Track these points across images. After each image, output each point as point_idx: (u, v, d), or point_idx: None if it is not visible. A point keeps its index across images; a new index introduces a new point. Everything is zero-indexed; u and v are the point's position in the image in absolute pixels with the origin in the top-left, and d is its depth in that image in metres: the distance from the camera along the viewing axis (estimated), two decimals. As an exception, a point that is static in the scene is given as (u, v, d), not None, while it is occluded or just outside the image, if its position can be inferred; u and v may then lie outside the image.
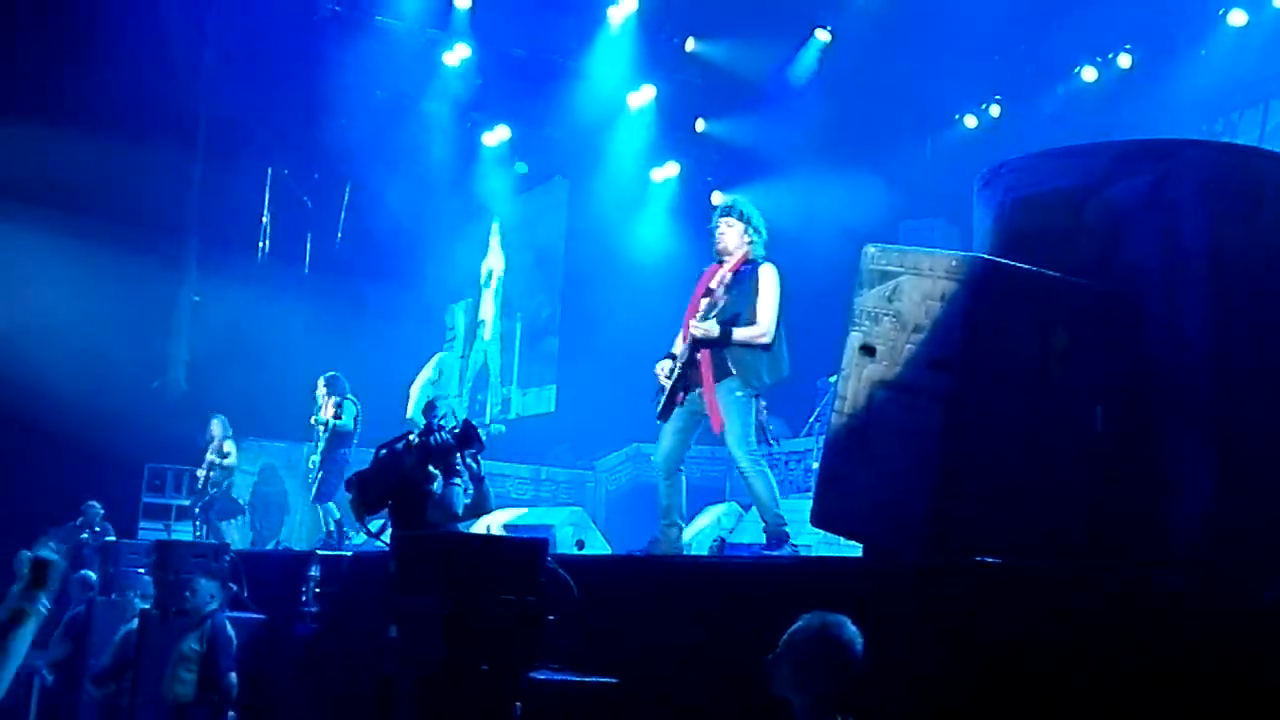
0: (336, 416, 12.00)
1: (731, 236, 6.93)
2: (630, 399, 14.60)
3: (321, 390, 12.30)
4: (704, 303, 6.85)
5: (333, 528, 11.75)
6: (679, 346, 7.00)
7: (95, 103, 15.42)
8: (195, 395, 16.24)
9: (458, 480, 6.52)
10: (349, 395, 12.26)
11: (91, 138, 15.20)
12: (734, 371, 6.71)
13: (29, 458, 14.61)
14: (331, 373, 12.49)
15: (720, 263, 7.02)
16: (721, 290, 6.83)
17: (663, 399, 6.95)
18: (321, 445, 12.11)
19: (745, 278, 6.82)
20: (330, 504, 11.88)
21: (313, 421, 12.31)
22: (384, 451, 6.85)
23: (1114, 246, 4.43)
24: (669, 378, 6.93)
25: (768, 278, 6.79)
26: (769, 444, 7.17)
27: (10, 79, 14.96)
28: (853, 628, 3.57)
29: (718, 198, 18.37)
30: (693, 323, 6.72)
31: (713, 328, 6.67)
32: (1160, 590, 3.53)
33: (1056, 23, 13.96)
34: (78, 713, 9.69)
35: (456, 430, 6.68)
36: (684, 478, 6.98)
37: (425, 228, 20.49)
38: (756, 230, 6.96)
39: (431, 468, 6.64)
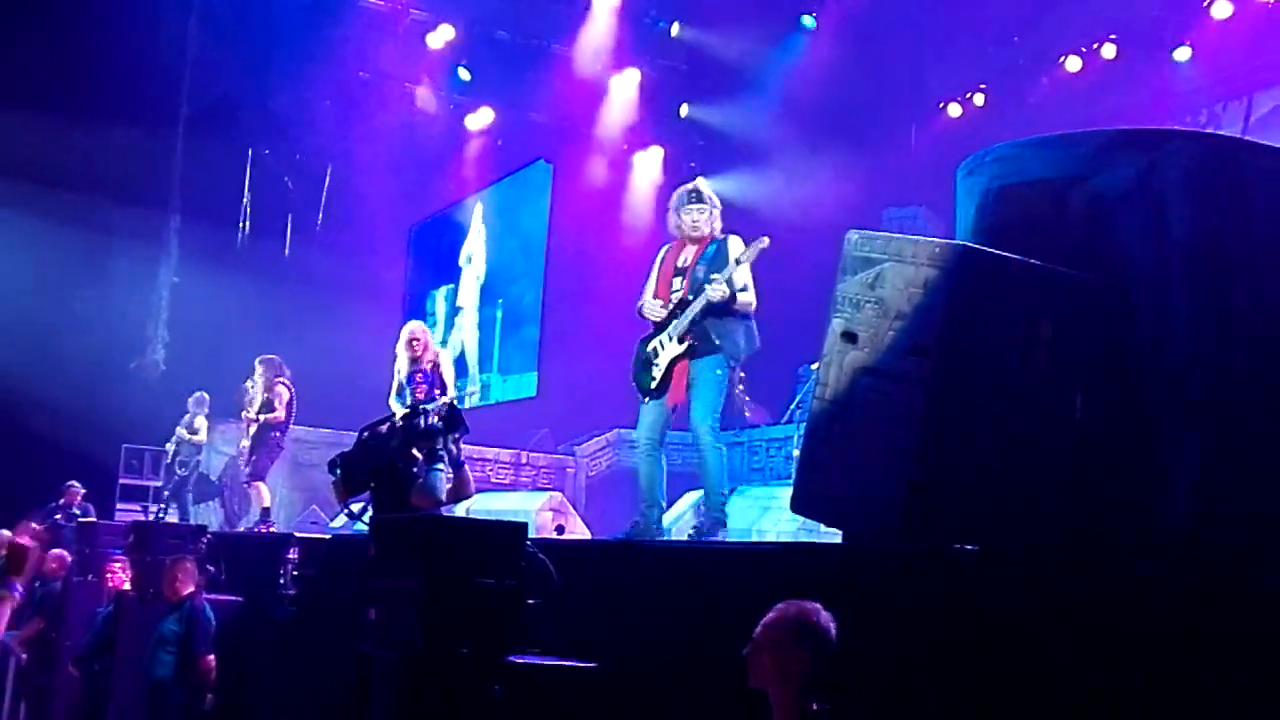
0: (269, 408, 11.86)
1: (703, 220, 7.02)
2: (612, 384, 14.62)
3: (259, 373, 12.12)
4: (677, 281, 6.93)
5: (267, 504, 11.67)
6: (657, 313, 6.98)
7: (76, 81, 15.35)
8: (173, 376, 16.19)
9: (441, 465, 6.52)
10: (283, 379, 12.10)
11: (72, 116, 15.14)
12: (718, 344, 6.73)
13: (6, 437, 14.55)
14: (267, 355, 12.25)
15: (680, 241, 7.11)
16: (695, 268, 6.88)
17: (659, 371, 6.89)
18: (253, 430, 11.99)
19: (714, 251, 6.91)
20: (261, 484, 11.79)
21: (245, 416, 12.12)
22: (366, 433, 6.83)
23: (1098, 236, 4.43)
24: (659, 356, 6.89)
25: (739, 247, 6.86)
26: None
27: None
28: (826, 613, 3.57)
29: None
30: (710, 286, 6.66)
31: (725, 290, 6.68)
32: (1143, 579, 3.55)
33: (1041, 13, 13.98)
34: (53, 692, 9.68)
35: (442, 414, 6.67)
36: (664, 457, 6.97)
37: (407, 211, 20.46)
38: (716, 206, 7.10)
39: (415, 451, 6.63)
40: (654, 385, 6.91)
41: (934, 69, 15.21)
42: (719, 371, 6.76)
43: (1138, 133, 4.75)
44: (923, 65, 15.17)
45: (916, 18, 14.45)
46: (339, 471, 6.71)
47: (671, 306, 6.89)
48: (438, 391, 9.68)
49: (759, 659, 3.57)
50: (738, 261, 6.74)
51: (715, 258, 6.86)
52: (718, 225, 7.06)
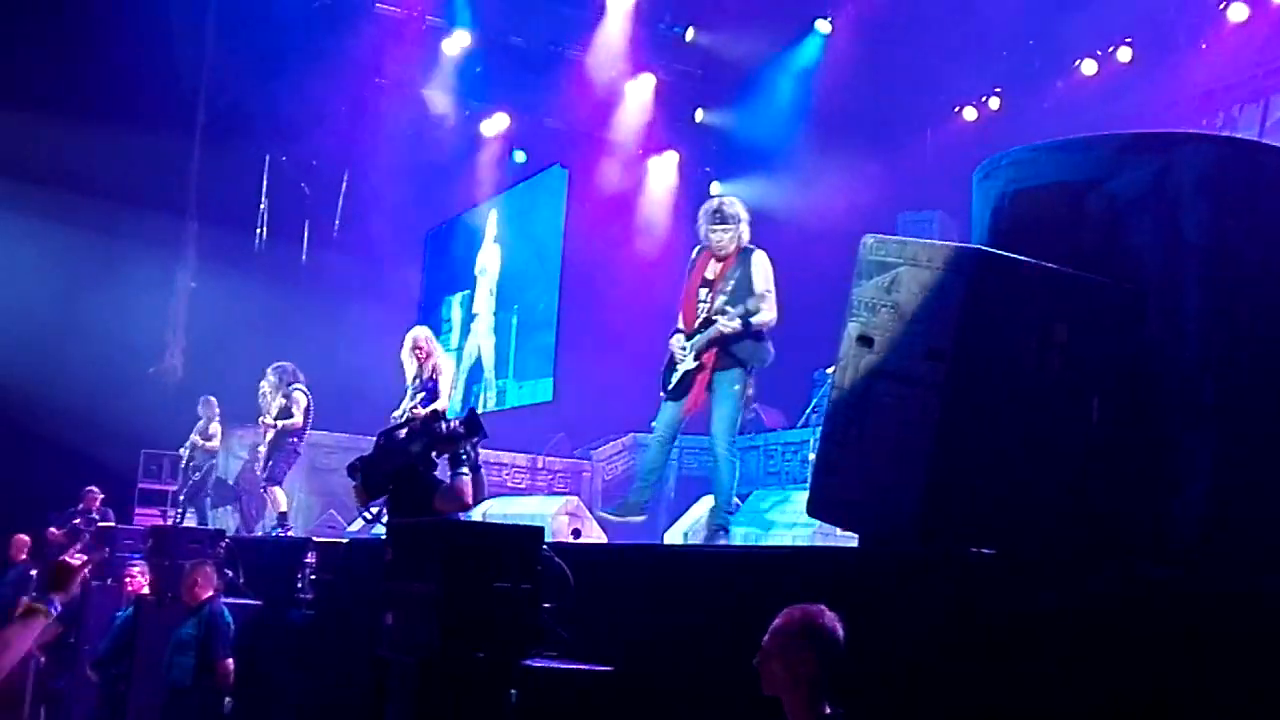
0: (286, 414, 11.87)
1: (727, 240, 7.35)
2: (628, 388, 14.61)
3: (270, 382, 12.13)
4: (703, 292, 7.35)
5: (284, 509, 11.69)
6: (681, 323, 7.44)
7: (94, 87, 15.42)
8: (191, 381, 16.24)
9: (465, 470, 6.51)
10: (299, 385, 12.12)
11: (90, 122, 15.20)
12: (740, 359, 7.23)
13: (26, 443, 14.61)
14: (280, 363, 12.28)
15: (706, 253, 7.49)
16: (721, 282, 7.29)
17: (675, 377, 7.36)
18: (269, 437, 12.02)
19: (739, 266, 7.30)
20: (278, 488, 11.81)
21: (260, 422, 12.17)
22: (383, 438, 6.84)
23: (1114, 239, 4.42)
24: (683, 357, 7.32)
25: (762, 264, 7.30)
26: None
27: (10, 63, 14.93)
28: (831, 613, 3.60)
29: (716, 189, 18.41)
30: (721, 321, 7.13)
31: (738, 324, 7.13)
32: (1155, 583, 3.54)
33: (1057, 16, 13.94)
34: (71, 696, 9.72)
35: (462, 419, 6.66)
36: (673, 454, 7.56)
37: (423, 216, 20.49)
38: (741, 221, 7.41)
39: (435, 455, 6.64)
40: (671, 387, 7.38)
41: (949, 73, 15.18)
42: (737, 387, 7.26)
43: (1153, 136, 4.74)
44: (938, 69, 15.15)
45: (931, 22, 14.44)
46: (359, 476, 6.71)
47: (698, 323, 7.31)
48: (419, 395, 9.76)
49: (769, 666, 3.61)
50: (749, 311, 7.14)
51: (739, 275, 7.25)
52: (745, 238, 7.40)
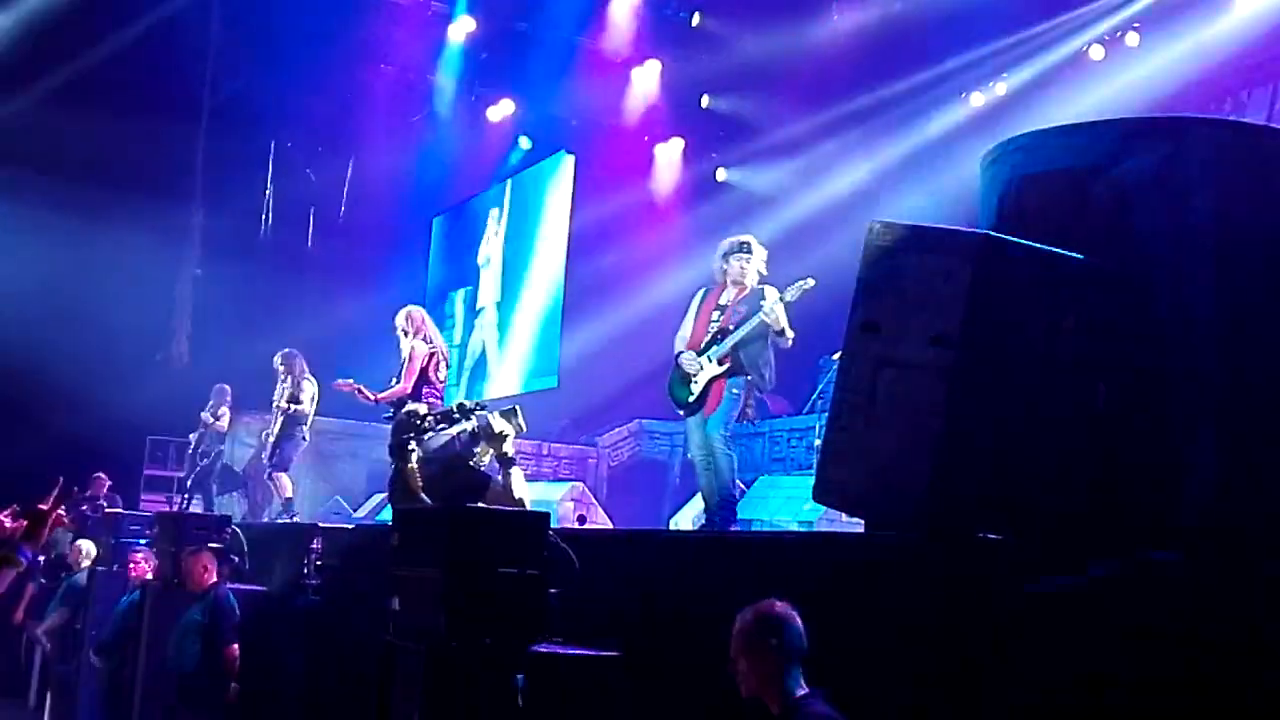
0: (294, 399, 11.92)
1: (749, 271, 7.76)
2: (633, 375, 14.63)
3: (280, 368, 12.18)
4: (715, 314, 7.73)
5: (289, 495, 11.73)
6: (683, 344, 7.75)
7: (100, 75, 15.39)
8: (197, 368, 16.25)
9: (515, 467, 6.48)
10: (306, 374, 12.17)
11: (97, 110, 15.19)
12: (746, 370, 7.58)
13: (33, 429, 14.63)
14: (288, 349, 12.34)
15: (720, 286, 7.87)
16: (736, 305, 7.68)
17: (697, 388, 7.64)
18: (278, 424, 12.06)
19: (753, 298, 7.66)
20: (283, 475, 11.84)
21: (274, 404, 12.23)
22: (415, 422, 6.76)
23: (1122, 224, 4.41)
24: (696, 371, 7.64)
25: (776, 297, 7.62)
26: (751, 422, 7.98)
27: (16, 51, 14.92)
28: (781, 603, 3.74)
29: (722, 175, 18.39)
30: (765, 305, 7.49)
31: (781, 316, 7.49)
32: (1162, 569, 3.54)
33: (1064, 0, 13.90)
34: (75, 681, 9.75)
35: (504, 415, 6.60)
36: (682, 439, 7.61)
37: (428, 203, 20.49)
38: (759, 257, 7.83)
39: (477, 449, 6.59)
40: (691, 400, 7.69)
41: (955, 58, 15.13)
42: (735, 391, 7.63)
43: (1160, 120, 4.74)
44: (944, 55, 15.09)
45: (939, 6, 14.38)
46: (415, 459, 6.58)
47: (709, 336, 7.66)
48: (394, 381, 9.80)
49: (740, 669, 3.75)
50: (781, 299, 7.52)
51: (753, 302, 7.63)
52: (755, 278, 7.77)
